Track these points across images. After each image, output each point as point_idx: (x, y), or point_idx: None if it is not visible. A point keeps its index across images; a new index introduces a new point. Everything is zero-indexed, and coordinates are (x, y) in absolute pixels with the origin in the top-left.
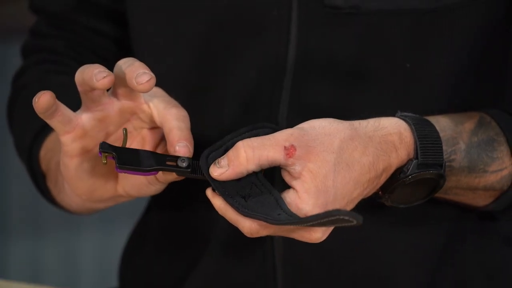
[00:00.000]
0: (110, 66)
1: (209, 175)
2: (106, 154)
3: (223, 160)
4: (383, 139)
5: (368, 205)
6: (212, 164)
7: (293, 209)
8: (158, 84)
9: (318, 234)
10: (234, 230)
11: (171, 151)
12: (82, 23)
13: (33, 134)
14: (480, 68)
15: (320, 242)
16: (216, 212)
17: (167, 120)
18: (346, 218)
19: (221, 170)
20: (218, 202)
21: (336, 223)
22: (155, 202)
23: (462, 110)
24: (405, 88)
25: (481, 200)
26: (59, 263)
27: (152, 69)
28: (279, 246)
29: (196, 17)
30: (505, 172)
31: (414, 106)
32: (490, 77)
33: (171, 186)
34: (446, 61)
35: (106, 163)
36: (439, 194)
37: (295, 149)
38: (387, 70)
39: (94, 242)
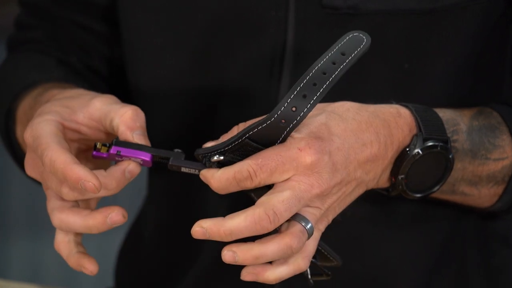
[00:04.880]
0: (91, 59)
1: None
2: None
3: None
4: (378, 109)
5: (367, 206)
6: None
7: (294, 154)
8: (158, 85)
9: (308, 157)
10: None
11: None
12: (62, 14)
13: (4, 111)
14: (479, 68)
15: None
16: (213, 210)
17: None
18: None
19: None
20: (214, 172)
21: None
22: (152, 200)
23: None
24: (403, 89)
25: (486, 200)
26: (59, 263)
27: (152, 69)
28: None
29: (195, 18)
30: (506, 162)
31: None
32: (488, 77)
33: (167, 184)
34: (444, 62)
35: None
36: (446, 195)
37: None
38: (385, 71)
39: (93, 242)
